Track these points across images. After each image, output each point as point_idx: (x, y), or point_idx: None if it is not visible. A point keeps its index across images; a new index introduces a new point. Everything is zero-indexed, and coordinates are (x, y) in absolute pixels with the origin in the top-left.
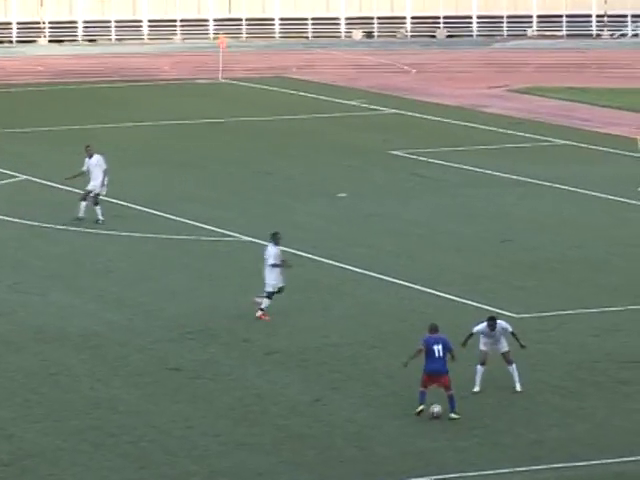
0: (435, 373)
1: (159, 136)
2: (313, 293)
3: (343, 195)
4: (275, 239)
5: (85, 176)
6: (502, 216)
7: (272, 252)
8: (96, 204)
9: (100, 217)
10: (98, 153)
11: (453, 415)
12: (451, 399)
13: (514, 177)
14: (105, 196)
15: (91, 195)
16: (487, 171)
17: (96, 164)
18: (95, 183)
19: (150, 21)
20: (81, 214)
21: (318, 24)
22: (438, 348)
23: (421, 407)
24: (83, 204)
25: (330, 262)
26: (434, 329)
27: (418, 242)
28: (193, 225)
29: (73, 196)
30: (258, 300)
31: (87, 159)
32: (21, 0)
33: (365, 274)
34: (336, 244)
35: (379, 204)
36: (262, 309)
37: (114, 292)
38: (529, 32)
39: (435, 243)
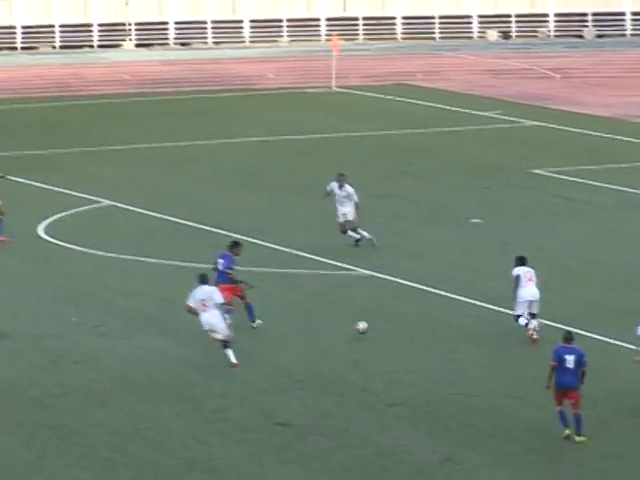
0: (566, 387)
1: (262, 154)
2: (441, 335)
3: (477, 221)
4: (522, 261)
5: (331, 201)
6: None
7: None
8: (354, 230)
9: (357, 237)
10: (348, 183)
11: (578, 438)
12: (578, 419)
13: None
14: (210, 225)
15: (348, 221)
16: None
17: (347, 195)
18: (345, 210)
19: (252, 21)
20: (357, 235)
21: (447, 23)
22: (570, 359)
23: (567, 431)
24: (350, 233)
25: (461, 298)
26: (568, 338)
27: (563, 275)
28: (302, 256)
29: (163, 224)
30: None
31: (335, 186)
32: None
33: (501, 312)
34: (469, 277)
35: (518, 231)
36: (531, 328)
37: None
38: None
39: (583, 275)
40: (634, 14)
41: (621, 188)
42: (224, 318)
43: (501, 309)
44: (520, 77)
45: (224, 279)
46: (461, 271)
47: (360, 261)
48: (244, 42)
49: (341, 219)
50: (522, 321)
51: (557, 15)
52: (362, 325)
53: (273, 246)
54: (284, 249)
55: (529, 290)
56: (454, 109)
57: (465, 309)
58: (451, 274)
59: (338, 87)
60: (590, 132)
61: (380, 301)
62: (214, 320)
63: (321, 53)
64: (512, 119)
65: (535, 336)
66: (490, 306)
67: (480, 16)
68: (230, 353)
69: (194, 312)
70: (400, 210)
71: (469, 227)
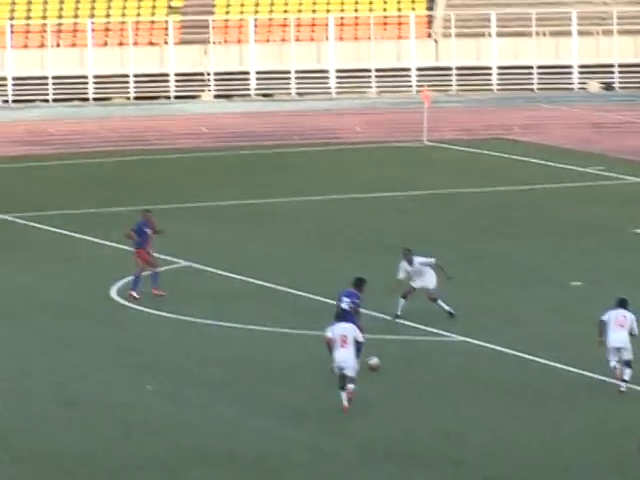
0: None
1: (349, 212)
2: (540, 404)
3: (578, 284)
4: (624, 304)
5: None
6: None
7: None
8: (434, 300)
9: (449, 310)
10: (417, 255)
11: None
12: None
13: None
14: (293, 288)
15: (428, 293)
16: None
17: (418, 270)
18: (426, 279)
19: (338, 71)
20: (399, 311)
21: (545, 73)
22: None
23: None
24: (402, 301)
25: (562, 366)
26: None
27: None
28: (390, 321)
29: (243, 287)
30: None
31: (405, 265)
32: (180, 48)
33: (604, 381)
34: (569, 343)
35: (622, 295)
36: (625, 380)
37: (297, 403)
38: None
39: None
40: None
41: None
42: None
43: (601, 377)
44: (624, 131)
45: (352, 319)
46: (560, 337)
47: (453, 326)
48: (330, 93)
49: (417, 285)
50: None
51: None
52: (374, 360)
53: (361, 310)
54: (372, 313)
55: (616, 336)
56: (553, 165)
57: (564, 376)
58: (549, 340)
59: (430, 141)
60: None
61: (474, 368)
62: (349, 357)
63: (412, 105)
64: (616, 176)
65: (622, 389)
66: (589, 374)
67: (581, 66)
68: (344, 396)
69: (331, 347)
70: (496, 271)
71: (569, 290)
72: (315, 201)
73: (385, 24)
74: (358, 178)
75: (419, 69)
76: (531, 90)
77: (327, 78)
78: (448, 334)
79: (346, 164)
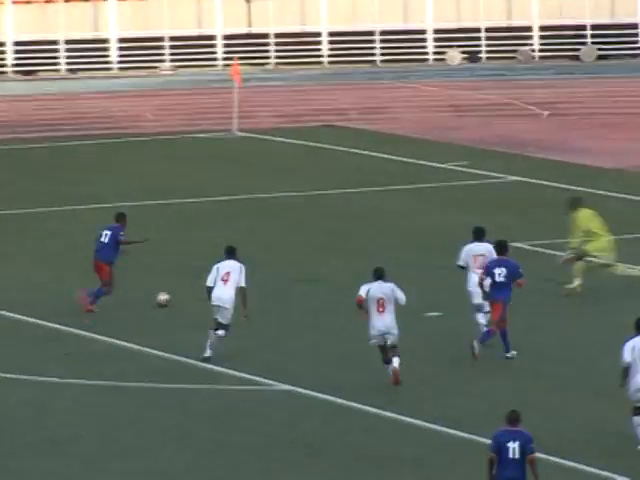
0: None
1: (135, 222)
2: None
3: (435, 314)
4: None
5: None
6: None
7: None
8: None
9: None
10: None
11: None
12: None
13: None
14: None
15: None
16: None
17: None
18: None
19: (121, 40)
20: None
21: (390, 40)
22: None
23: None
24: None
25: (408, 419)
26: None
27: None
28: (193, 365)
29: None
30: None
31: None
32: None
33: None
34: (420, 394)
35: None
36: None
37: None
38: None
39: None
40: None
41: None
42: None
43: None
44: (494, 115)
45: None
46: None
47: (281, 374)
48: (111, 69)
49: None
50: None
51: (543, 28)
52: (163, 297)
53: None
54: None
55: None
56: (403, 160)
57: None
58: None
59: (242, 131)
60: (594, 191)
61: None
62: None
63: (217, 84)
64: (482, 173)
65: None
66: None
67: (437, 30)
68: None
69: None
70: (330, 299)
71: (425, 322)
72: (89, 210)
73: None
74: (147, 179)
75: (227, 37)
76: (373, 62)
77: (107, 50)
78: (275, 383)
79: (132, 162)
